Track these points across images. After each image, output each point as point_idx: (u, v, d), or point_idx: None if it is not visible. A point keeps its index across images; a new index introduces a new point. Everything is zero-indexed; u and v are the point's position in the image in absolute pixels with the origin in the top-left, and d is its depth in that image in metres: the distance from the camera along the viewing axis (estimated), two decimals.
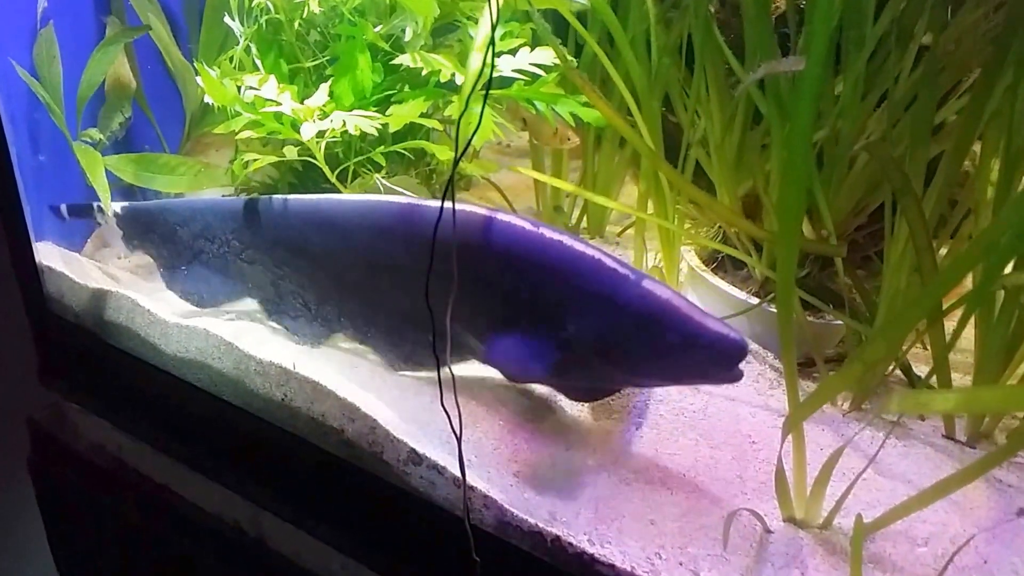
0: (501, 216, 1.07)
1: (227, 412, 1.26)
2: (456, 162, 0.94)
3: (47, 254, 1.43)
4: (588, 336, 1.04)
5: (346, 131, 1.22)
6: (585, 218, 1.47)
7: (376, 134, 1.24)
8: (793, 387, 1.00)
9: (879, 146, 1.06)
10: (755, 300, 1.28)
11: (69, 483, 1.50)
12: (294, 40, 1.36)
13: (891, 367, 1.20)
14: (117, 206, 1.39)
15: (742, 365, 1.03)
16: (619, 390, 1.21)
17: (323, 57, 1.36)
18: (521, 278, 1.06)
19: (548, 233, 1.05)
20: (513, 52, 1.25)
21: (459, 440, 0.93)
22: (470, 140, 1.03)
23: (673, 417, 1.17)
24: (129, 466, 1.43)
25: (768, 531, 1.00)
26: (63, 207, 1.45)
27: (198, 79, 1.26)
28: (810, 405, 0.98)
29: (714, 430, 1.14)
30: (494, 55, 0.93)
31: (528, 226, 1.06)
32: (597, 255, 1.04)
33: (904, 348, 1.19)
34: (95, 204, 1.39)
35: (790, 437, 0.99)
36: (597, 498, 1.04)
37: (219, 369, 1.25)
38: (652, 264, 1.46)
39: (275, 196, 1.25)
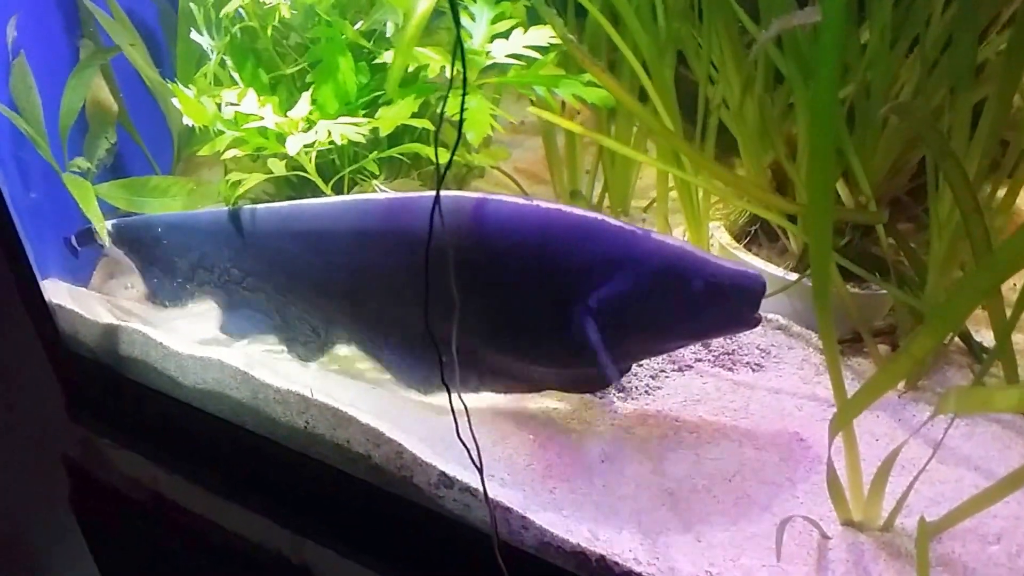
0: (492, 198, 1.00)
1: (253, 442, 1.22)
2: (448, 165, 0.86)
3: (55, 291, 1.39)
4: (609, 304, 0.98)
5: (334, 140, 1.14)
6: (607, 196, 1.38)
7: (366, 140, 1.16)
8: (838, 381, 0.92)
9: (910, 107, 0.95)
10: (794, 276, 1.18)
11: (112, 519, 1.49)
12: (271, 47, 1.27)
13: (950, 337, 1.11)
14: (108, 224, 1.35)
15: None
16: (628, 370, 1.14)
17: (304, 62, 1.27)
18: (528, 258, 1.00)
19: (544, 204, 1.00)
20: (506, 35, 1.16)
21: (480, 471, 0.88)
22: (460, 133, 0.94)
23: (713, 418, 1.09)
24: (168, 499, 1.41)
25: (825, 537, 0.93)
26: (73, 238, 1.40)
27: (174, 100, 1.18)
28: (858, 404, 0.90)
29: (758, 429, 1.07)
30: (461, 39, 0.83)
31: (521, 201, 1.00)
32: (599, 217, 0.99)
33: None
34: (92, 227, 1.35)
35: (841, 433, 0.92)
36: (639, 511, 0.98)
37: (239, 399, 1.21)
38: None
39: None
